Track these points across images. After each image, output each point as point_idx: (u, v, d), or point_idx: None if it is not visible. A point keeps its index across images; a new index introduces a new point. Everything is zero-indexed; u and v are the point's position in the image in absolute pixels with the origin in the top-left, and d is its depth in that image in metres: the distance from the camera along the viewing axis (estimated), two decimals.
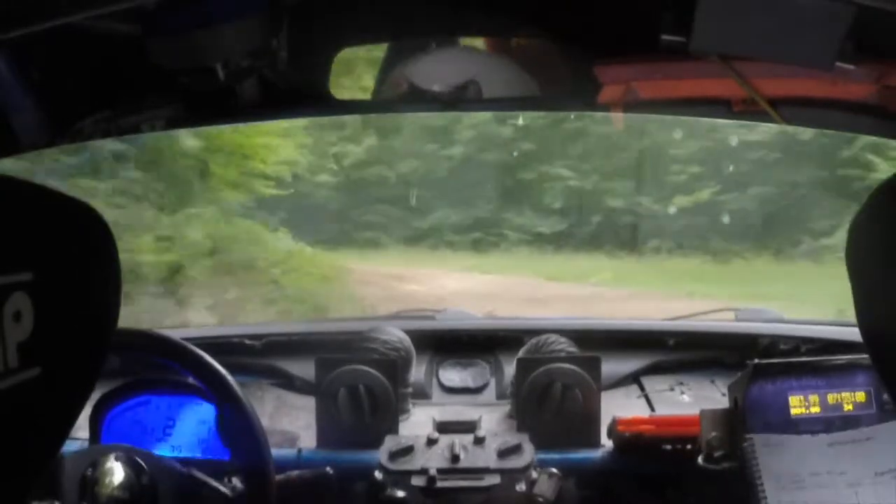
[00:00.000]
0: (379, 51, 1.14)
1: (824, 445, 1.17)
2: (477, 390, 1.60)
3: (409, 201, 7.92)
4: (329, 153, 7.64)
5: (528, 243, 7.76)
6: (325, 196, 7.83)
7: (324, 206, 7.81)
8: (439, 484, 1.23)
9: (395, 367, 1.42)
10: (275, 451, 1.15)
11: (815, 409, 1.22)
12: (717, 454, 1.23)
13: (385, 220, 7.93)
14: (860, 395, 1.22)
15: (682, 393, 1.55)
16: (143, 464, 1.06)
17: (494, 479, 1.25)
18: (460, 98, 1.08)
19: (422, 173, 8.11)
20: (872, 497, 1.10)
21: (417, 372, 1.56)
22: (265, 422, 1.27)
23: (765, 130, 6.10)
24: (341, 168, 7.85)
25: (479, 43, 1.16)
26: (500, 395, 1.58)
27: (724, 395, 1.41)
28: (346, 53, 1.12)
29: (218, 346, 1.34)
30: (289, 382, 1.59)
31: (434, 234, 7.97)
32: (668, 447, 1.32)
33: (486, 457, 1.27)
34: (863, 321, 0.68)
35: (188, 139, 5.40)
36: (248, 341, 1.62)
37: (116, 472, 1.02)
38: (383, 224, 7.93)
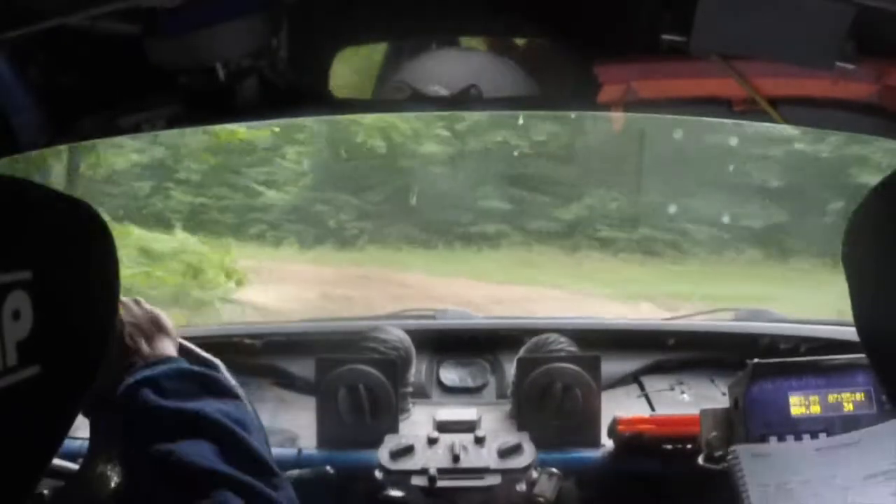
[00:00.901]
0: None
1: (812, 451, 1.17)
2: (477, 390, 1.60)
3: (547, 181, 5.55)
4: (438, 115, 5.18)
5: (726, 245, 5.32)
6: (434, 174, 5.73)
7: (432, 189, 5.71)
8: (440, 484, 1.23)
9: (395, 366, 1.42)
10: (275, 451, 1.15)
11: (815, 409, 1.22)
12: (717, 454, 1.22)
13: (513, 207, 5.71)
14: (860, 395, 1.22)
15: (683, 392, 1.56)
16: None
17: (495, 479, 1.25)
18: (461, 100, 1.08)
19: (564, 142, 5.72)
20: (863, 500, 1.10)
21: (417, 372, 1.56)
22: (265, 421, 1.27)
23: None
24: (454, 135, 5.80)
25: (478, 43, 1.16)
26: (500, 395, 1.58)
27: (724, 394, 1.41)
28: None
29: (218, 345, 1.33)
30: (289, 382, 1.59)
31: (581, 229, 5.70)
32: (669, 447, 1.32)
33: (487, 456, 1.27)
34: (860, 321, 0.68)
35: None
36: (248, 341, 1.62)
37: (115, 472, 1.02)
38: (510, 213, 5.70)
